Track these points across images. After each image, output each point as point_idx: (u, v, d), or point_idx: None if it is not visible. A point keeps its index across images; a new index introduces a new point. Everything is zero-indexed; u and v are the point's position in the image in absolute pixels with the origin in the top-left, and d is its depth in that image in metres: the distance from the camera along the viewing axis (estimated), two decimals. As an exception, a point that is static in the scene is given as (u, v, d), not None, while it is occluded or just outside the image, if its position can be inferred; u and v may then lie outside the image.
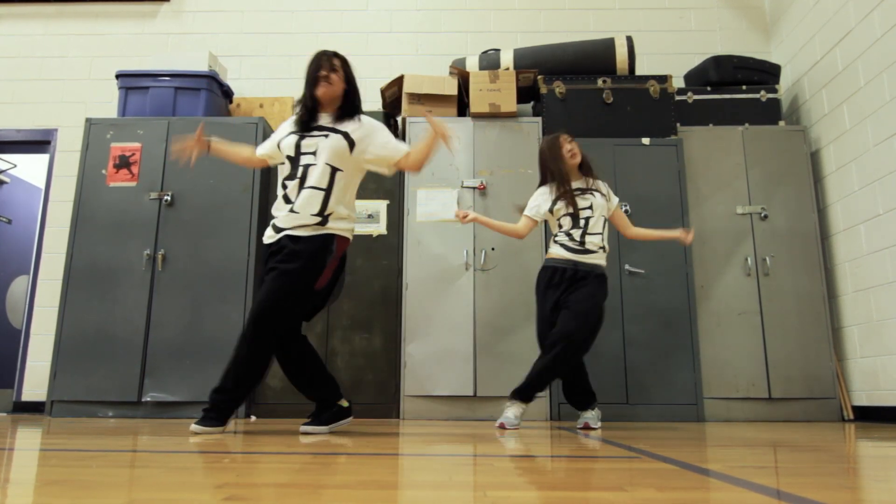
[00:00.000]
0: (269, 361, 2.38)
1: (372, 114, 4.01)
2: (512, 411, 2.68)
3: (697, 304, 3.63)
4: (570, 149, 2.91)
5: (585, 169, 2.95)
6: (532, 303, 3.57)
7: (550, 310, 2.82)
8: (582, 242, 2.81)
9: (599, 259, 2.84)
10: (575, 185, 2.90)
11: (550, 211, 2.90)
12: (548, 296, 2.84)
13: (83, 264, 3.66)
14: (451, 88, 3.90)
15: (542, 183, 3.00)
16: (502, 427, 2.62)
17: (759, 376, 3.56)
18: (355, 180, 2.51)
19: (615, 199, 2.99)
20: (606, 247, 2.87)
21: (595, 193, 2.89)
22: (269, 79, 4.67)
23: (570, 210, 2.84)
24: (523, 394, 2.70)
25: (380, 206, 3.80)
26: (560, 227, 2.90)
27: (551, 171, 2.92)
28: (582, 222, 2.83)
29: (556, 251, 2.87)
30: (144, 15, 4.80)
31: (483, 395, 3.50)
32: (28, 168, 5.31)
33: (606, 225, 2.89)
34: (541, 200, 2.93)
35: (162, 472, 1.22)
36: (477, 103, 3.81)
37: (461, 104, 3.99)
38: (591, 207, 2.85)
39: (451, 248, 3.67)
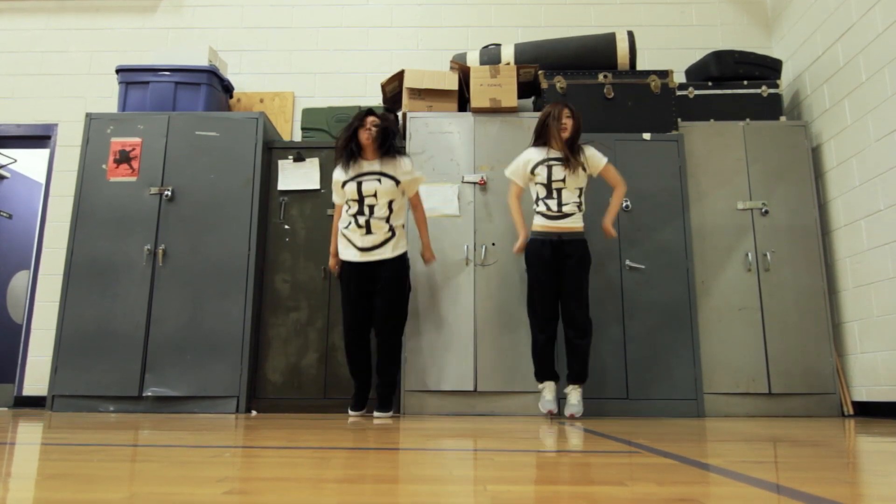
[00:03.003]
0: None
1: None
2: (577, 397, 3.06)
3: (698, 299, 3.63)
4: (564, 124, 3.17)
5: (571, 144, 3.19)
6: (532, 298, 3.58)
7: (551, 281, 3.13)
8: (560, 210, 3.13)
9: (578, 221, 3.16)
10: (557, 153, 3.19)
11: (532, 172, 3.21)
12: (543, 271, 3.13)
13: (84, 259, 3.66)
14: (452, 83, 3.89)
15: (533, 144, 3.32)
16: (573, 417, 2.98)
17: (760, 372, 3.56)
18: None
19: (601, 162, 3.24)
20: (583, 205, 3.20)
21: (571, 163, 3.14)
22: (269, 73, 4.66)
23: (545, 180, 3.16)
24: (584, 377, 3.12)
25: (380, 202, 3.79)
26: (537, 195, 3.22)
27: (541, 134, 3.26)
28: (555, 193, 3.15)
29: (540, 222, 3.18)
30: (144, 9, 4.79)
31: (483, 390, 3.50)
32: (28, 163, 5.31)
33: (583, 190, 3.21)
34: (521, 162, 3.26)
35: (163, 466, 1.22)
36: (477, 98, 3.80)
37: (462, 99, 3.98)
38: (563, 180, 3.15)
39: (452, 244, 3.67)
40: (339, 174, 3.28)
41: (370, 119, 3.25)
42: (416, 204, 3.38)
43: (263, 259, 3.77)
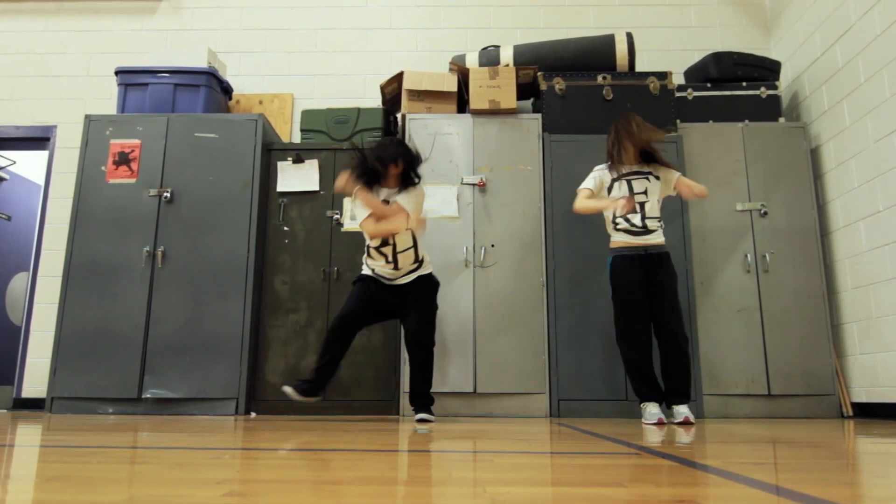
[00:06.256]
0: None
1: (371, 110, 4.04)
2: (685, 408, 2.87)
3: (697, 300, 3.63)
4: (634, 131, 2.99)
5: (647, 156, 3.02)
6: (533, 299, 3.58)
7: (640, 297, 2.94)
8: (644, 226, 2.95)
9: (661, 237, 2.99)
10: (632, 168, 3.02)
11: (608, 191, 3.04)
12: (633, 286, 2.94)
13: (83, 261, 3.66)
14: (451, 85, 3.89)
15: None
16: (687, 421, 2.81)
17: (759, 373, 3.56)
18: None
19: (675, 174, 3.01)
20: (662, 222, 3.03)
21: (650, 177, 2.99)
22: (268, 75, 4.67)
23: (626, 192, 2.98)
24: (689, 394, 2.92)
25: (379, 203, 3.79)
26: (614, 212, 3.00)
27: (610, 149, 3.07)
28: (638, 207, 2.96)
29: (622, 238, 2.99)
30: (143, 11, 4.79)
31: (483, 392, 3.50)
32: (27, 165, 5.31)
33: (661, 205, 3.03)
34: (592, 177, 3.07)
35: (162, 468, 1.22)
36: (477, 100, 3.80)
37: (461, 101, 3.98)
38: (645, 192, 2.97)
39: (451, 245, 3.67)
40: (357, 210, 3.07)
41: (393, 171, 3.04)
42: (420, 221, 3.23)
43: (262, 260, 3.77)
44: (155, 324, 3.58)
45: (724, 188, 3.80)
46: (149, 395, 3.49)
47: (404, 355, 3.54)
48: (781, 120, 3.97)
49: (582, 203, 3.02)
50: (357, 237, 3.74)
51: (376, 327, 3.64)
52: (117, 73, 4.04)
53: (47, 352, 4.10)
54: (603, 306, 3.56)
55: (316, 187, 3.83)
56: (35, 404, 4.06)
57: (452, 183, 3.75)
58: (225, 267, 3.64)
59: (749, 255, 3.70)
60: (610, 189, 3.04)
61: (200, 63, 4.07)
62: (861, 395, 3.56)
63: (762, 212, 3.76)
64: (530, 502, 0.90)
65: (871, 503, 0.92)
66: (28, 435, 2.09)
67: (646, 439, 1.99)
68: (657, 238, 2.97)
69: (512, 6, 4.75)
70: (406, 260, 3.07)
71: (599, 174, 3.09)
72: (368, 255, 3.12)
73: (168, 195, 3.72)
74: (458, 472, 1.21)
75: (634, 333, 2.95)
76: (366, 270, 3.15)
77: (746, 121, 3.93)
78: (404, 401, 3.49)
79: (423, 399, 3.06)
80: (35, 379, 4.11)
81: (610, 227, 3.05)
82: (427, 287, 3.11)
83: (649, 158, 3.03)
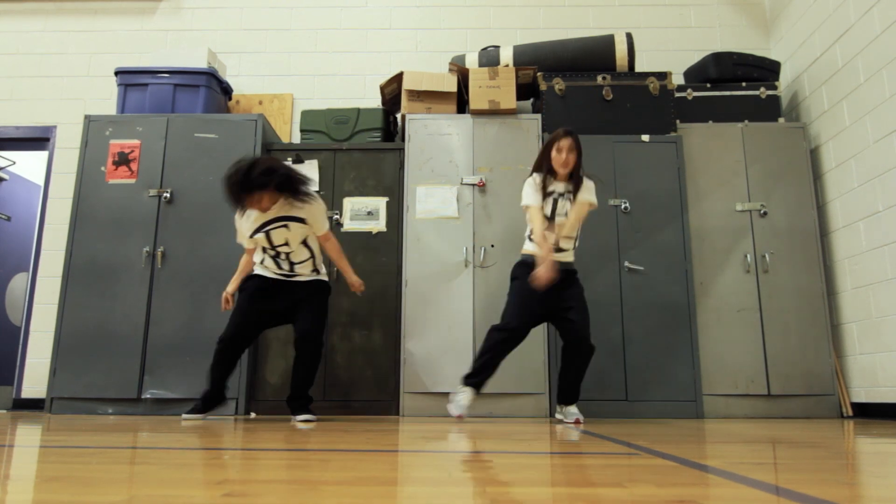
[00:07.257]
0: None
1: (371, 111, 4.04)
2: (574, 409, 2.95)
3: (697, 300, 3.64)
4: (564, 158, 2.88)
5: (575, 178, 2.94)
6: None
7: (538, 304, 2.90)
8: (556, 242, 2.90)
9: (570, 256, 2.97)
10: (559, 187, 2.94)
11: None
12: (528, 289, 2.87)
13: (83, 261, 3.66)
14: (451, 85, 3.89)
15: (535, 170, 3.02)
16: (578, 422, 2.86)
17: (759, 373, 3.56)
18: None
19: (590, 200, 2.92)
20: (577, 240, 3.01)
21: (571, 197, 2.93)
22: (268, 75, 4.67)
23: (549, 213, 2.93)
24: (578, 396, 2.98)
25: (379, 203, 3.80)
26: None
27: (540, 163, 2.99)
28: (556, 229, 2.91)
29: (533, 248, 2.93)
30: (143, 11, 4.79)
31: (482, 392, 3.49)
32: (27, 165, 5.31)
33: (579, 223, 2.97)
34: (532, 190, 2.96)
35: (161, 469, 1.22)
36: (476, 100, 3.80)
37: (461, 101, 3.98)
38: (566, 214, 2.92)
39: (451, 246, 3.67)
40: (240, 223, 2.99)
41: (255, 197, 2.77)
42: (326, 239, 3.07)
43: (262, 261, 3.76)
44: (155, 324, 3.58)
45: (723, 188, 3.80)
46: (148, 396, 3.49)
47: (404, 355, 3.54)
48: (781, 120, 3.97)
49: (537, 225, 2.89)
50: (357, 237, 3.75)
51: (376, 327, 3.64)
52: (117, 73, 4.04)
53: (47, 352, 4.10)
54: (602, 307, 3.56)
55: (315, 188, 3.82)
56: (35, 404, 4.06)
57: (452, 183, 3.75)
58: (224, 267, 3.63)
59: (749, 256, 3.70)
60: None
61: (200, 63, 4.07)
62: (860, 395, 3.56)
63: (762, 212, 3.76)
64: (530, 502, 0.90)
65: (870, 503, 0.92)
66: (28, 435, 2.09)
67: (646, 439, 1.99)
68: (566, 257, 2.92)
69: (512, 6, 4.75)
70: (304, 269, 3.03)
71: (535, 181, 2.96)
72: (262, 263, 3.02)
73: (168, 195, 3.72)
74: (459, 473, 1.21)
75: (511, 327, 2.88)
76: (258, 270, 3.05)
77: (746, 121, 3.93)
78: (404, 401, 3.49)
79: (302, 401, 3.04)
80: (35, 379, 4.11)
81: (527, 235, 3.02)
82: (319, 290, 3.05)
83: (576, 177, 2.93)
